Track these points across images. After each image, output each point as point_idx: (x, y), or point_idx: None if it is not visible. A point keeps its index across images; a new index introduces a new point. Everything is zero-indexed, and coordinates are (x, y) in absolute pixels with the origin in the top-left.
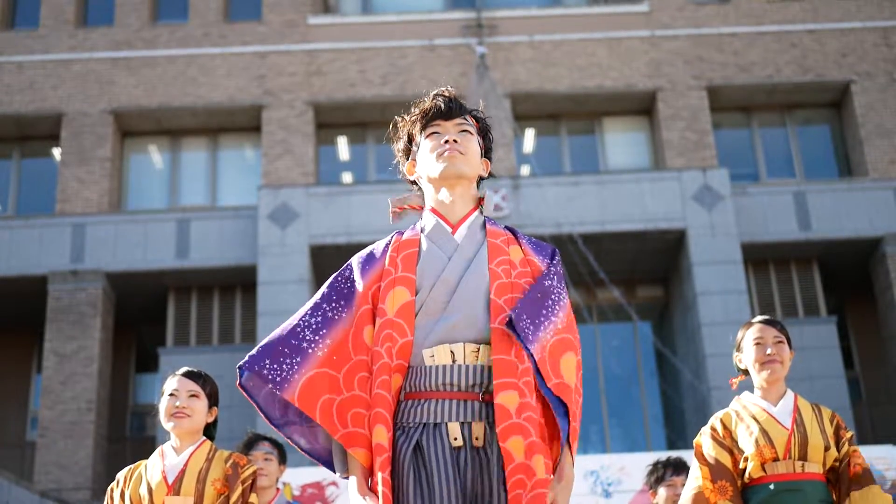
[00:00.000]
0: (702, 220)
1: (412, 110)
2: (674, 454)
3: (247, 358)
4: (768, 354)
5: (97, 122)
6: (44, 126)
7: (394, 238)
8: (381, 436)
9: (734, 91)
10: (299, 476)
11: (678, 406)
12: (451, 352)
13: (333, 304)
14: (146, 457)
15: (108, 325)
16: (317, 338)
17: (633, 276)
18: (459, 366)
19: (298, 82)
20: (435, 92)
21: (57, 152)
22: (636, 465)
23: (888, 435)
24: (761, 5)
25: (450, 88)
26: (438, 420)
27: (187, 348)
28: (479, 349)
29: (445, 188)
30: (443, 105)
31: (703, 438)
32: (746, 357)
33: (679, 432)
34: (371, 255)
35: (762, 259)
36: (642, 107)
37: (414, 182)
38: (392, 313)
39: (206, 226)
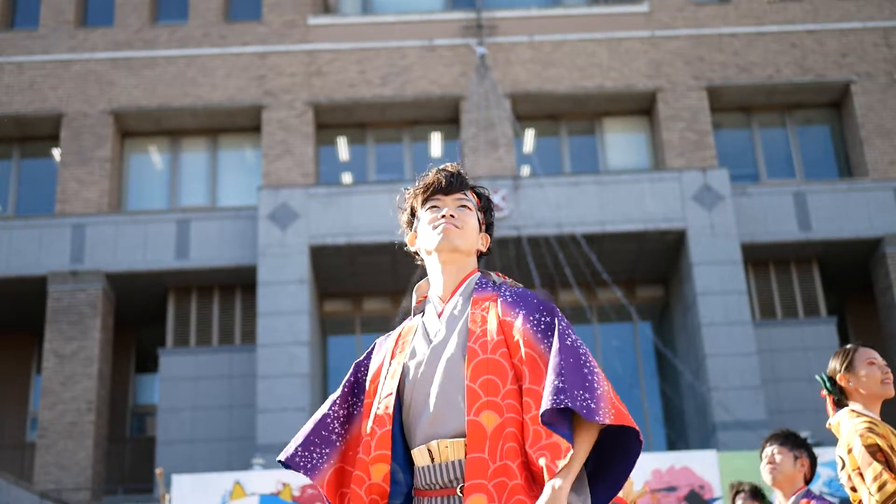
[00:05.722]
0: (702, 220)
1: (416, 184)
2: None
3: (288, 450)
4: (886, 373)
5: (97, 122)
6: (44, 126)
7: (401, 327)
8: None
9: (734, 91)
10: (299, 476)
11: (678, 406)
12: (429, 451)
13: (355, 399)
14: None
15: (108, 325)
16: (343, 430)
17: (634, 277)
18: (438, 465)
19: (298, 83)
20: (439, 167)
21: (57, 153)
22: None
23: None
24: (761, 5)
25: (454, 164)
26: None
27: (187, 349)
28: (452, 444)
29: (440, 262)
30: (443, 181)
31: (860, 437)
32: (866, 377)
33: (679, 432)
34: (381, 345)
35: (762, 259)
36: (642, 107)
37: (416, 253)
38: (377, 408)
39: (206, 226)
